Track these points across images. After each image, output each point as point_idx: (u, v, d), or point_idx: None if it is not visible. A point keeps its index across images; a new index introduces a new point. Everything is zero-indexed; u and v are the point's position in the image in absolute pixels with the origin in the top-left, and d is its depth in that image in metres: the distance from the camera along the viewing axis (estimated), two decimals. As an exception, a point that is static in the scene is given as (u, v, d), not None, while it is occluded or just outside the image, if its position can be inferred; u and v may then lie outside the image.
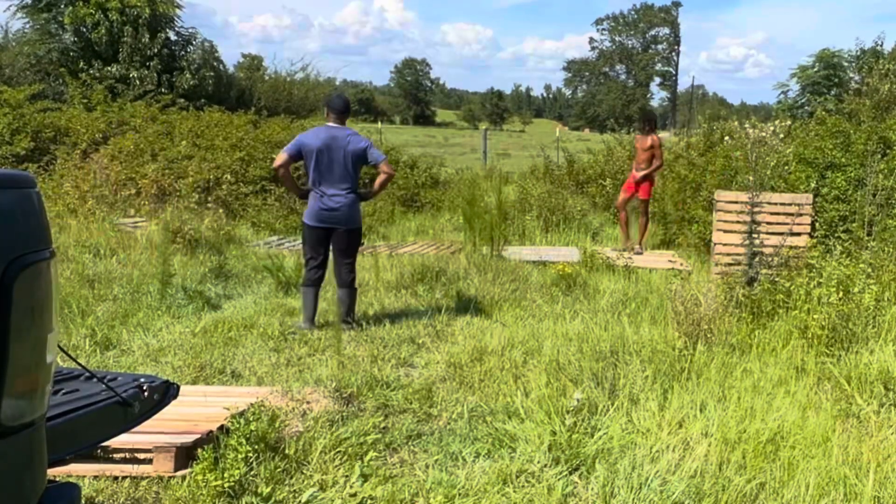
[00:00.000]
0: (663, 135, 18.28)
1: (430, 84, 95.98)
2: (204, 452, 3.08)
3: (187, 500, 2.96)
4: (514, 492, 3.08)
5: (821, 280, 5.42)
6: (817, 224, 8.07)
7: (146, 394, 2.06)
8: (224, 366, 4.68)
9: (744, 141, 9.24)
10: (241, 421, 3.29)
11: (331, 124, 5.58)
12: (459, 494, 3.06)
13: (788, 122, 11.22)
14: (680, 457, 3.35)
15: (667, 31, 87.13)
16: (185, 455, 3.22)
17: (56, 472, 2.59)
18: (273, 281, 6.69)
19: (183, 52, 20.52)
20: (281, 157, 5.43)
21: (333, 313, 5.59)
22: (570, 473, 3.23)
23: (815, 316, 4.92)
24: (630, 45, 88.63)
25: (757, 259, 6.38)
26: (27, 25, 20.02)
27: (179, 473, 3.15)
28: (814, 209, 7.95)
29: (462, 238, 9.52)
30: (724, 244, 7.94)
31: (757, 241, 6.50)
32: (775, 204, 7.77)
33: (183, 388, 2.58)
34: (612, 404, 3.90)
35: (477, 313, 5.96)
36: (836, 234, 7.90)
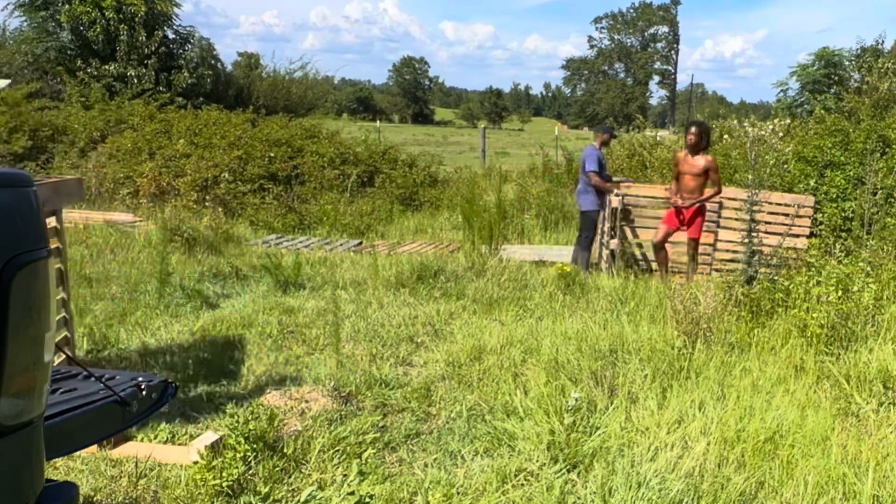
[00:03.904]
0: (662, 133, 18.26)
1: (428, 82, 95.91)
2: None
3: (186, 499, 2.96)
4: (513, 490, 3.08)
5: (820, 279, 5.42)
6: (816, 222, 8.08)
7: (144, 393, 2.06)
8: (222, 365, 4.67)
9: (743, 139, 9.24)
10: (240, 420, 3.29)
11: None
12: (458, 493, 3.05)
13: (788, 121, 11.23)
14: (678, 455, 3.35)
15: (666, 29, 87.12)
16: None
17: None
18: (271, 280, 6.68)
19: (181, 51, 20.48)
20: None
21: (332, 312, 5.59)
22: (569, 472, 3.23)
23: (815, 315, 4.92)
24: (629, 44, 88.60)
25: (756, 258, 6.38)
26: (24, 23, 19.99)
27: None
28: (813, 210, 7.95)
29: (461, 237, 9.52)
30: None
31: (756, 241, 6.50)
32: (772, 204, 7.78)
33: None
34: (611, 403, 3.90)
35: (476, 312, 5.95)
36: (836, 233, 7.91)
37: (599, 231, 8.46)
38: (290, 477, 3.18)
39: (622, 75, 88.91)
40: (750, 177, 6.82)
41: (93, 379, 2.02)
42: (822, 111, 12.33)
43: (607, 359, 4.56)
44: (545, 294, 6.51)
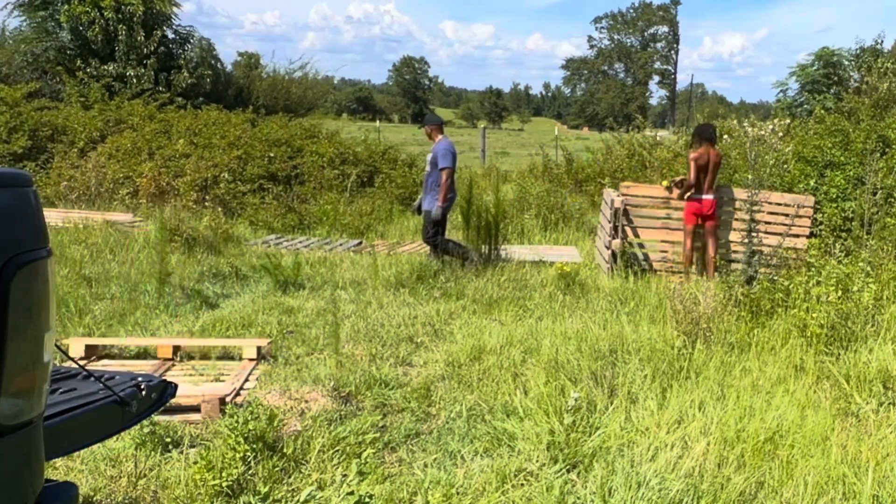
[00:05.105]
0: (662, 133, 18.26)
1: (428, 82, 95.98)
2: (202, 451, 3.07)
3: (185, 498, 2.96)
4: (513, 490, 3.08)
5: (820, 279, 5.42)
6: (816, 222, 8.07)
7: (144, 393, 2.05)
8: (222, 364, 4.66)
9: (743, 139, 9.24)
10: (239, 420, 3.29)
11: None
12: (458, 493, 3.05)
13: (787, 121, 11.23)
14: (678, 455, 3.35)
15: (665, 29, 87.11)
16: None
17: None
18: (271, 280, 6.68)
19: (180, 51, 20.47)
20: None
21: (332, 312, 5.58)
22: (569, 472, 3.23)
23: (815, 314, 4.92)
24: (629, 44, 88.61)
25: (756, 258, 6.39)
26: (24, 23, 19.97)
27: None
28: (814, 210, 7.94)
29: (461, 237, 9.50)
30: None
31: (756, 240, 6.51)
32: (772, 204, 7.78)
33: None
34: (611, 403, 3.90)
35: (475, 312, 5.95)
36: (836, 233, 7.90)
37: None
38: (289, 477, 3.18)
39: (622, 75, 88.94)
40: (750, 177, 6.82)
41: (92, 379, 2.02)
42: (822, 111, 12.32)
43: (607, 359, 4.56)
44: (545, 294, 6.51)
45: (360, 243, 9.51)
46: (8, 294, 1.36)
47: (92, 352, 4.70)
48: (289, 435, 3.51)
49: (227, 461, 3.06)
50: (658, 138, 14.41)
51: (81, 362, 4.50)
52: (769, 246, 7.24)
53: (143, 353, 4.85)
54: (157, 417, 3.41)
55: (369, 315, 5.81)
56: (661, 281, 7.09)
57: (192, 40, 20.89)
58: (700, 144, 7.52)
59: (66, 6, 18.44)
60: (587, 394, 3.98)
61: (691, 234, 7.51)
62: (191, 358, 4.80)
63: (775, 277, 6.00)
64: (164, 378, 2.23)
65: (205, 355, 4.85)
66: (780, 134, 8.40)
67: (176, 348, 4.76)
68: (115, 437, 3.21)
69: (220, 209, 10.20)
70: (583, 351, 4.68)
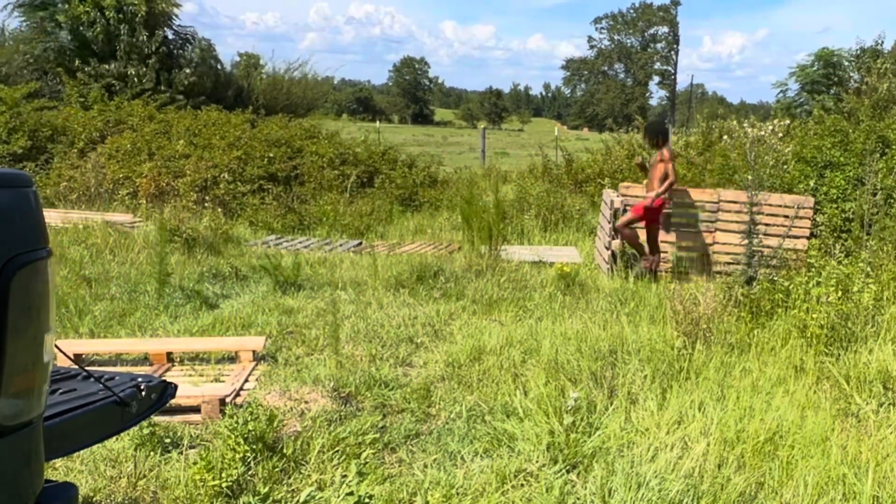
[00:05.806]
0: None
1: (428, 83, 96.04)
2: (202, 452, 3.07)
3: (185, 499, 2.96)
4: (513, 491, 3.08)
5: (820, 279, 5.42)
6: (816, 223, 8.08)
7: (143, 393, 2.05)
8: (221, 365, 4.66)
9: (742, 140, 9.24)
10: (239, 420, 3.28)
11: None
12: (458, 493, 3.05)
13: (787, 121, 11.22)
14: (678, 456, 3.35)
15: (665, 29, 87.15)
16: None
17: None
18: (271, 280, 6.68)
19: (181, 51, 20.48)
20: None
21: (331, 313, 5.58)
22: (569, 472, 3.23)
23: (815, 315, 4.92)
24: (629, 44, 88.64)
25: (756, 258, 6.39)
26: (23, 24, 19.98)
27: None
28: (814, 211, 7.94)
29: (460, 237, 9.51)
30: None
31: (756, 241, 6.50)
32: (772, 206, 7.78)
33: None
34: (611, 403, 3.90)
35: (475, 313, 5.95)
36: (836, 234, 7.91)
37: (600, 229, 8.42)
38: (289, 477, 3.18)
39: (622, 76, 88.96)
40: (750, 177, 6.82)
41: (92, 379, 2.02)
42: (822, 112, 12.32)
43: (607, 359, 4.56)
44: (545, 294, 6.51)
45: (360, 244, 9.51)
46: (8, 294, 1.36)
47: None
48: (289, 435, 3.51)
49: (227, 462, 3.06)
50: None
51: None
52: (769, 247, 7.24)
53: (138, 360, 4.85)
54: (156, 418, 3.41)
55: (369, 315, 5.81)
56: (660, 281, 7.09)
57: (192, 41, 20.91)
58: (664, 144, 7.66)
59: (65, 6, 18.45)
60: (587, 394, 3.98)
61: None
62: (189, 359, 4.80)
63: (775, 278, 6.01)
64: (163, 379, 2.23)
65: (202, 357, 4.85)
66: (780, 134, 8.38)
67: (169, 354, 4.74)
68: (114, 438, 3.21)
69: (219, 210, 10.21)
70: (583, 351, 4.68)
